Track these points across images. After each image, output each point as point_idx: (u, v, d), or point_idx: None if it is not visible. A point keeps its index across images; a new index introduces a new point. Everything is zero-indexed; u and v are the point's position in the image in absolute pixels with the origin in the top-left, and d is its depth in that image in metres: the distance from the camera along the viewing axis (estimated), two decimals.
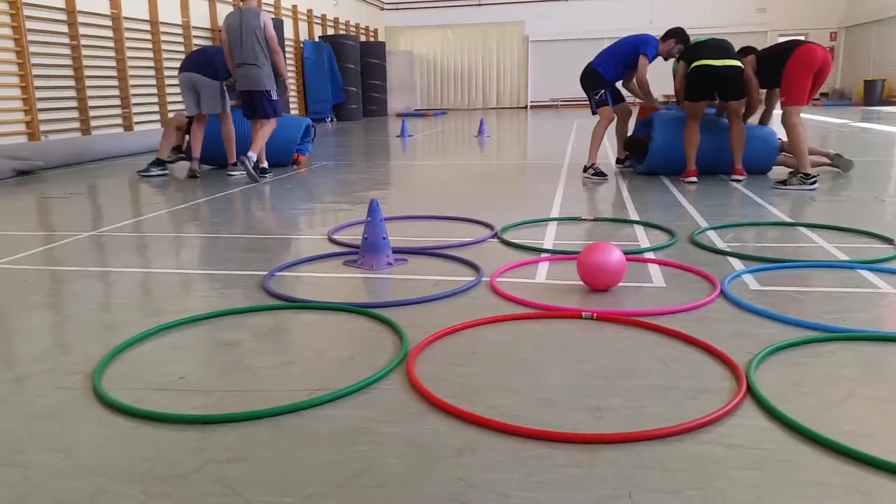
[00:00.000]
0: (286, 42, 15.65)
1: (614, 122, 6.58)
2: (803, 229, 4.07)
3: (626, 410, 1.86)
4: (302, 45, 16.63)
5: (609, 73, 6.26)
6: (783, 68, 5.57)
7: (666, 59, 6.28)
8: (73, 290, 3.19)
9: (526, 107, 23.92)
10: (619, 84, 6.45)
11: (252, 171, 6.47)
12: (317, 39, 17.80)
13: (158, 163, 7.21)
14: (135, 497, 1.51)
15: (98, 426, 1.84)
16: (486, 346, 2.36)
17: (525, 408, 1.89)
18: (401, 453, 1.67)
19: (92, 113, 10.00)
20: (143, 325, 2.59)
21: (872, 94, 19.07)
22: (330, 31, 18.86)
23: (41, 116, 9.10)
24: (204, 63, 6.87)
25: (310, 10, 17.81)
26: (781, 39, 22.29)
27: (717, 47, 5.81)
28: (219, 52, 6.84)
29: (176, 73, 7.25)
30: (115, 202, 5.92)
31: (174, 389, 2.06)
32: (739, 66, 5.74)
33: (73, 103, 9.80)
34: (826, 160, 6.31)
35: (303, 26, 17.53)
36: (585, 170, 6.45)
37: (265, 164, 6.85)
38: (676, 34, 6.12)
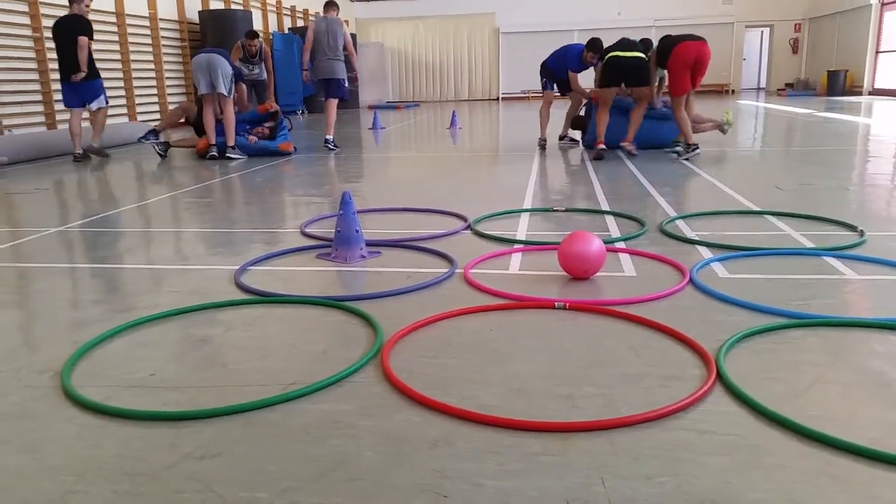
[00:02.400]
0: None
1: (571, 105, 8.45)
2: (770, 217, 4.13)
3: (598, 398, 1.88)
4: (271, 38, 16.44)
5: (552, 68, 8.05)
6: (667, 63, 6.72)
7: (589, 66, 7.70)
8: (41, 287, 3.13)
9: (497, 98, 23.89)
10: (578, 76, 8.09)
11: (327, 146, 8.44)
12: (286, 31, 17.62)
13: (155, 133, 8.04)
14: (105, 496, 1.49)
15: (67, 425, 1.82)
16: (460, 338, 2.37)
17: (499, 398, 1.90)
18: (376, 446, 1.67)
19: (57, 107, 9.79)
20: (113, 322, 2.55)
21: (835, 85, 19.37)
22: (300, 23, 18.66)
23: (3, 111, 8.90)
24: (221, 53, 7.92)
25: (279, 1, 17.62)
26: (747, 31, 22.70)
27: (626, 43, 7.02)
28: (227, 54, 8.14)
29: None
30: (82, 197, 5.82)
31: (145, 386, 2.04)
32: (643, 57, 6.89)
33: (38, 97, 9.59)
34: (713, 123, 7.73)
35: (272, 18, 17.35)
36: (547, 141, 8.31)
37: (330, 136, 8.51)
38: (592, 47, 7.50)
